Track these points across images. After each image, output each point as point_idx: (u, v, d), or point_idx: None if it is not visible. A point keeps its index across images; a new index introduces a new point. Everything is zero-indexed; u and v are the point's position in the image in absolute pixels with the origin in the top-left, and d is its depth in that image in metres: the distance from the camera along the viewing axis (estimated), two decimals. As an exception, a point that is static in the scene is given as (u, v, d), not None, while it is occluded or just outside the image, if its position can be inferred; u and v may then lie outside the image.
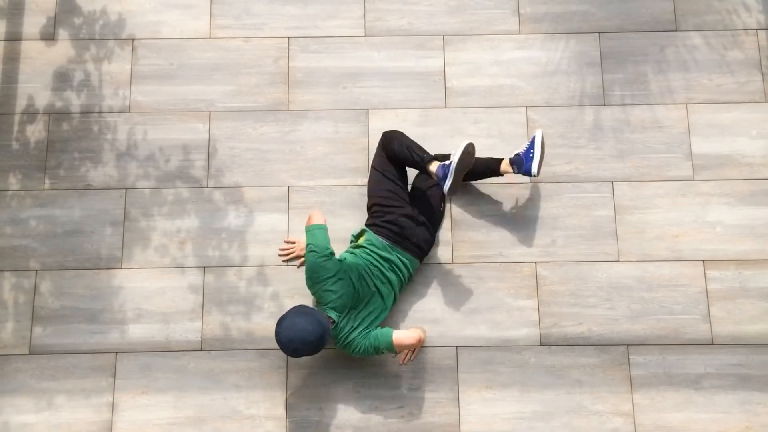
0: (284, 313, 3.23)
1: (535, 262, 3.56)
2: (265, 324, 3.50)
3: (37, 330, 3.50)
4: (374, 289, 3.28)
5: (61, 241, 3.59)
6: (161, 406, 3.42)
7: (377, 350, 3.22)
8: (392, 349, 3.22)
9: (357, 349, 3.21)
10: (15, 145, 3.71)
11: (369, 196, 3.46)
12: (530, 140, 3.41)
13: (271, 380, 3.44)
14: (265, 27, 3.86)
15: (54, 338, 3.49)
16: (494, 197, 3.63)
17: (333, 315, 3.18)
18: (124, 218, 3.62)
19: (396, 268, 3.34)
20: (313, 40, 3.84)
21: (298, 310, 3.07)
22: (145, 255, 3.58)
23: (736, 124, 3.71)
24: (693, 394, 3.42)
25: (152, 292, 3.54)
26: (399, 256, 3.34)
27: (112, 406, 3.42)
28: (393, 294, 3.35)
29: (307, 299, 3.53)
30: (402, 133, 3.48)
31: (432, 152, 3.67)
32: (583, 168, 3.67)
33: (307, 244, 3.23)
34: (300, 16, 3.87)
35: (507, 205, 3.63)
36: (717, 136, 3.70)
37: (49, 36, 3.86)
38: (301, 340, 3.01)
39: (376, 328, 3.27)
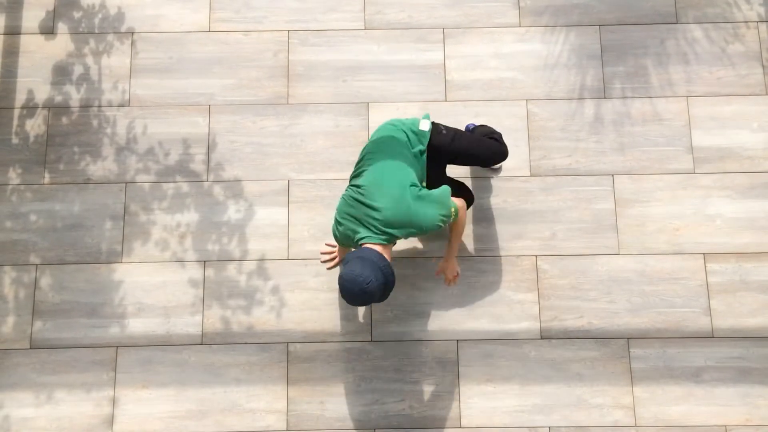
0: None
1: (536, 256, 3.56)
2: (265, 318, 3.50)
3: (38, 324, 3.50)
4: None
5: (61, 236, 3.59)
6: (162, 399, 3.43)
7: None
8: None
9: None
10: (15, 140, 3.71)
11: None
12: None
13: (271, 374, 3.45)
14: (265, 20, 3.85)
15: (54, 332, 3.49)
16: (495, 190, 3.63)
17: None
18: (124, 212, 3.62)
19: None
20: (313, 33, 3.83)
21: (357, 257, 2.92)
22: (146, 249, 3.58)
23: (737, 116, 3.70)
24: (693, 387, 3.42)
25: (153, 286, 3.54)
26: None
27: (113, 400, 3.43)
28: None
29: (307, 294, 3.53)
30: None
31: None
32: (584, 161, 3.67)
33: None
34: (300, 9, 3.86)
35: (507, 199, 3.62)
36: (717, 129, 3.69)
37: (48, 30, 3.85)
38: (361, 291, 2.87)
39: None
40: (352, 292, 2.86)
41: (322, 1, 3.87)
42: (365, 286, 2.85)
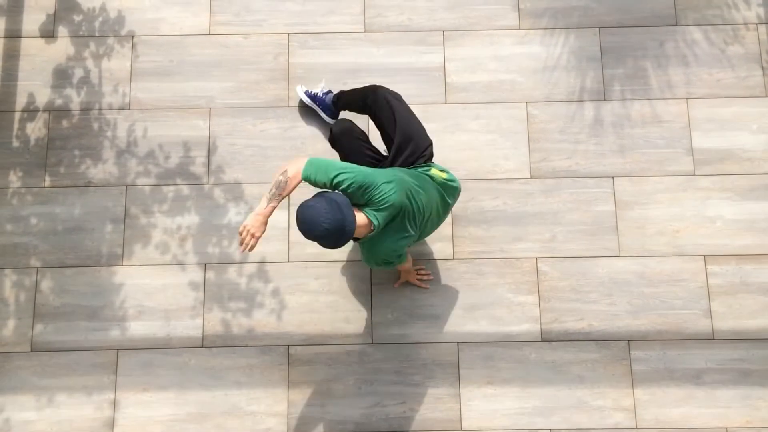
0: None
1: (536, 258, 3.56)
2: (266, 321, 3.50)
3: (39, 327, 3.50)
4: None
5: (62, 239, 3.60)
6: (163, 402, 3.43)
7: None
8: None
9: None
10: (15, 143, 3.71)
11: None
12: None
13: (272, 377, 3.45)
14: (265, 23, 3.85)
15: (55, 335, 3.49)
16: (494, 193, 3.63)
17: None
18: (125, 215, 3.62)
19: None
20: (313, 36, 3.84)
21: (323, 197, 2.79)
22: (146, 252, 3.59)
23: (737, 118, 3.71)
24: (694, 389, 3.42)
25: (153, 289, 3.54)
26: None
27: (114, 403, 3.43)
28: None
29: (308, 297, 3.53)
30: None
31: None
32: (584, 163, 3.67)
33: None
34: (299, 12, 3.87)
35: (507, 201, 3.63)
36: (717, 131, 3.70)
37: (48, 33, 3.85)
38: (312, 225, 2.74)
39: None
40: (304, 221, 2.74)
41: (322, 3, 3.88)
42: (321, 224, 2.72)
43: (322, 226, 2.73)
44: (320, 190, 2.76)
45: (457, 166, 3.66)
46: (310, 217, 2.74)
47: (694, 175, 3.65)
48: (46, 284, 3.55)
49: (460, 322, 3.49)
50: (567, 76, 3.77)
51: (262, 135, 3.72)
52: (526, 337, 3.48)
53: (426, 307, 3.51)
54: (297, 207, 2.73)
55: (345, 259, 3.57)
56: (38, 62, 3.81)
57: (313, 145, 3.69)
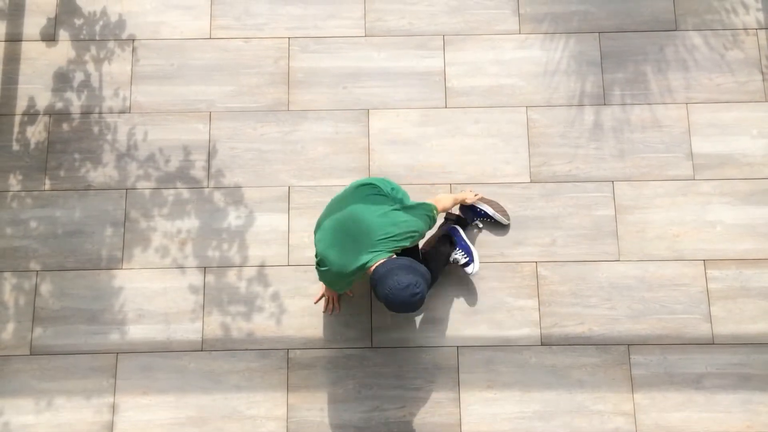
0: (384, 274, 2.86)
1: (536, 262, 3.56)
2: (265, 324, 3.50)
3: (38, 331, 3.50)
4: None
5: (62, 242, 3.59)
6: (162, 406, 3.42)
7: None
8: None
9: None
10: (15, 146, 3.71)
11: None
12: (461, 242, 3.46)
13: (272, 380, 3.44)
14: (266, 27, 3.86)
15: (55, 339, 3.49)
16: (495, 197, 3.63)
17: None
18: (125, 219, 3.62)
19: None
20: (314, 40, 3.84)
21: (402, 266, 2.85)
22: (146, 255, 3.58)
23: (737, 123, 3.71)
24: (694, 393, 3.42)
25: (153, 292, 3.54)
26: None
27: (113, 407, 3.42)
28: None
29: (307, 301, 3.53)
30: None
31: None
32: (584, 167, 3.67)
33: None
34: (300, 16, 3.87)
35: (507, 205, 3.63)
36: (717, 136, 3.70)
37: (49, 37, 3.86)
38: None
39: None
40: (406, 302, 2.80)
41: (323, 8, 3.88)
42: (417, 290, 2.81)
43: (419, 288, 2.80)
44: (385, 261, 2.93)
45: (458, 170, 3.66)
46: (406, 296, 2.79)
47: (694, 179, 3.65)
48: (45, 287, 3.55)
49: (460, 326, 3.49)
50: (567, 80, 3.78)
51: (262, 139, 3.72)
52: (526, 341, 3.48)
53: (426, 311, 3.51)
54: (385, 295, 2.83)
55: (345, 262, 3.56)
56: (39, 66, 3.81)
57: (314, 149, 3.69)
